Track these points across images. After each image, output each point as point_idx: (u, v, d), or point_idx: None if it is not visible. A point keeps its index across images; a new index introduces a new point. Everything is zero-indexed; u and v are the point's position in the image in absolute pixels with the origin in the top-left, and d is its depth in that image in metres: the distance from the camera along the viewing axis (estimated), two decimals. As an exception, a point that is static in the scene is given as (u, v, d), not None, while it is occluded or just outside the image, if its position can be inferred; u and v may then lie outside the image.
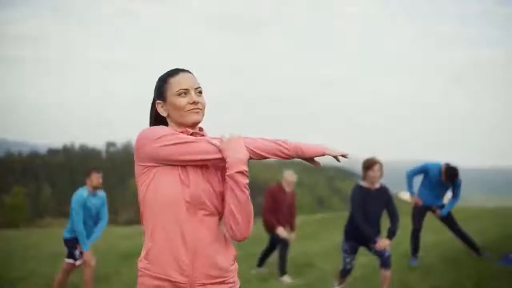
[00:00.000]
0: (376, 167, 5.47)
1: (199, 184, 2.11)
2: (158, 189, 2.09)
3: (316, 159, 2.19)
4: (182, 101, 2.15)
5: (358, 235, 5.53)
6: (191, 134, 2.17)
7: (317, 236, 11.57)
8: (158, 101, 2.22)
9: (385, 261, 5.46)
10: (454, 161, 6.97)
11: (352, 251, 5.70)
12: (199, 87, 2.19)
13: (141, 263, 2.15)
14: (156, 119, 2.25)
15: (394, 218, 5.56)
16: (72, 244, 6.26)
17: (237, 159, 2.05)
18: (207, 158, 2.09)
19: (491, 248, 7.06)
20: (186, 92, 2.16)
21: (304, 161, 2.18)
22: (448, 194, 7.14)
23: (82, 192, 6.23)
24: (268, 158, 2.15)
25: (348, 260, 5.72)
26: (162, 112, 2.21)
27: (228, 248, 2.20)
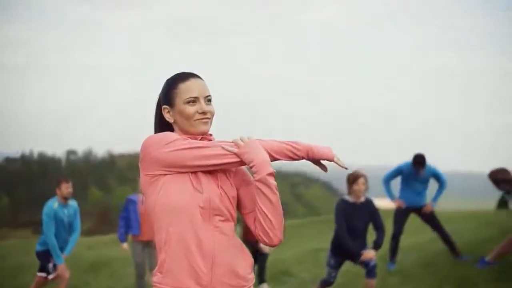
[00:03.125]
0: (361, 181, 5.42)
1: (212, 190, 2.01)
2: (170, 197, 1.97)
3: (323, 162, 2.13)
4: (191, 109, 2.05)
5: (345, 251, 5.48)
6: (200, 139, 2.07)
7: (288, 243, 11.49)
8: (164, 106, 2.11)
9: (370, 271, 5.42)
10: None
11: (338, 266, 5.66)
12: (209, 95, 2.10)
13: (156, 277, 2.04)
14: (161, 124, 2.14)
15: (380, 230, 5.53)
16: (44, 257, 6.04)
17: (264, 161, 1.97)
18: (221, 163, 2.00)
19: (466, 252, 7.11)
20: (195, 100, 2.06)
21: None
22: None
23: (52, 204, 6.01)
24: (279, 159, 2.07)
25: (333, 274, 5.67)
26: (169, 118, 2.11)
27: (246, 256, 2.10)
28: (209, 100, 2.09)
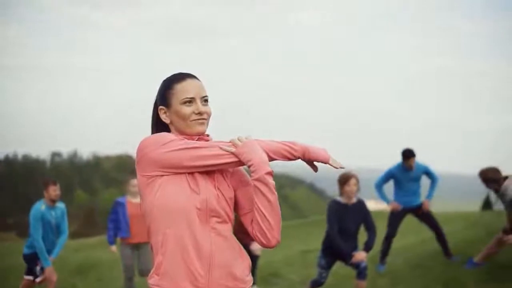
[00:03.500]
0: (352, 182, 5.42)
1: (209, 191, 1.99)
2: (167, 199, 1.95)
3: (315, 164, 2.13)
4: (187, 110, 2.03)
5: (336, 252, 5.48)
6: (197, 140, 2.05)
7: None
8: (161, 107, 2.10)
9: (361, 272, 5.43)
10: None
11: (329, 266, 5.66)
12: (206, 96, 2.08)
13: (152, 280, 2.00)
14: (158, 124, 2.13)
15: (371, 232, 5.54)
16: (32, 260, 5.95)
17: (262, 161, 1.96)
18: (219, 163, 1.98)
19: (454, 252, 7.15)
20: (192, 101, 2.04)
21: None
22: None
23: (39, 206, 5.93)
24: (276, 159, 2.06)
25: (324, 275, 5.67)
26: (165, 118, 2.10)
27: (243, 257, 2.08)
28: (206, 101, 2.08)
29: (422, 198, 7.22)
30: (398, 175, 7.09)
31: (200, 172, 1.99)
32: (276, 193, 1.98)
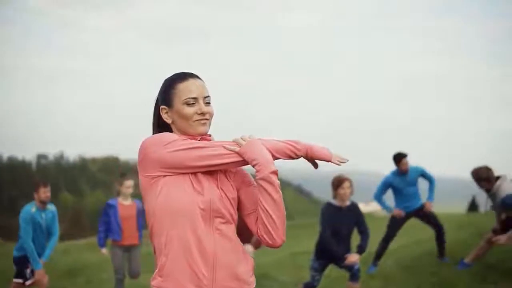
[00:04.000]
0: (346, 184, 5.43)
1: (213, 191, 1.98)
2: (170, 199, 1.93)
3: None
4: (190, 110, 2.01)
5: (329, 254, 5.49)
6: (200, 140, 2.04)
7: (266, 248, 11.48)
8: (163, 107, 2.07)
9: (354, 274, 5.45)
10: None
11: (322, 269, 5.67)
12: (208, 96, 2.06)
13: (155, 281, 1.99)
14: (159, 124, 2.10)
15: (364, 235, 5.55)
16: (22, 263, 5.89)
17: (267, 160, 1.95)
18: (224, 162, 1.97)
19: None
20: (194, 101, 2.02)
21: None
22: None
23: (29, 208, 5.88)
24: (279, 158, 2.05)
25: (317, 277, 5.67)
26: (167, 118, 2.07)
27: (247, 258, 2.07)
28: (208, 101, 2.06)
29: (422, 199, 7.22)
30: (395, 183, 7.08)
31: (203, 173, 1.98)
32: (280, 192, 1.97)
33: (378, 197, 7.19)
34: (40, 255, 5.94)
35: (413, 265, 7.03)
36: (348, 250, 5.51)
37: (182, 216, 1.92)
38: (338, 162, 2.08)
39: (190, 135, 2.04)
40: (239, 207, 2.09)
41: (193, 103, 2.02)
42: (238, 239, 2.05)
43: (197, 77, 2.07)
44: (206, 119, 2.04)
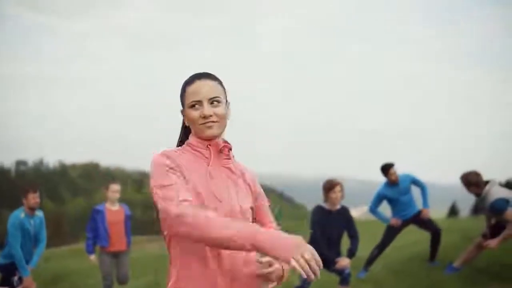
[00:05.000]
0: (337, 189, 5.46)
1: (232, 201, 1.94)
2: None
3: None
4: (195, 114, 1.96)
5: (319, 257, 5.47)
6: (220, 150, 2.00)
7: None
8: (181, 109, 2.06)
9: (344, 279, 5.45)
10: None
11: None
12: (215, 97, 1.96)
13: None
14: (185, 126, 2.10)
15: (354, 238, 5.57)
16: (9, 270, 5.79)
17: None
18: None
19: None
20: (199, 103, 1.96)
21: None
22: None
23: (18, 214, 5.79)
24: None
25: (307, 282, 5.66)
26: (185, 121, 2.06)
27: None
28: (215, 101, 1.96)
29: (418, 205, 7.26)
30: (388, 194, 7.09)
31: (221, 183, 1.95)
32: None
33: (373, 210, 7.19)
34: (27, 261, 5.85)
35: (403, 269, 7.05)
36: (338, 254, 5.53)
37: None
38: (303, 273, 1.69)
39: (203, 139, 2.00)
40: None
41: (197, 106, 1.96)
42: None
43: (206, 77, 2.01)
44: (212, 121, 1.95)
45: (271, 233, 1.72)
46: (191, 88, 1.99)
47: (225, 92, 2.04)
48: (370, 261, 7.19)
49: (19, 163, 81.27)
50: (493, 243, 5.82)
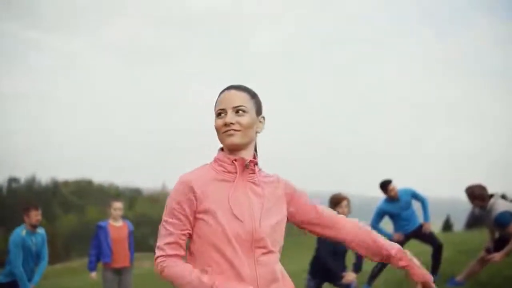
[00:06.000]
0: (344, 203, 5.46)
1: (254, 218, 1.91)
2: (206, 228, 1.87)
3: None
4: (219, 122, 1.95)
5: (325, 273, 5.47)
6: (246, 166, 1.98)
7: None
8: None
9: None
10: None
11: None
12: (240, 106, 1.94)
13: None
14: None
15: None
16: None
17: None
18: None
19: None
20: (223, 112, 1.95)
21: None
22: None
23: (19, 231, 5.75)
24: None
25: None
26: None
27: (288, 285, 1.99)
28: (240, 111, 1.94)
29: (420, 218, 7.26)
30: (389, 210, 7.12)
31: (244, 201, 1.93)
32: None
33: (375, 227, 7.16)
34: (29, 279, 5.80)
35: (400, 282, 7.01)
36: (344, 269, 5.52)
37: (219, 245, 1.86)
38: None
39: (227, 150, 1.99)
40: (294, 220, 2.07)
41: (222, 115, 1.96)
42: (281, 268, 2.00)
43: (236, 88, 2.00)
44: (234, 130, 1.92)
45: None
46: (219, 98, 1.99)
47: (257, 105, 2.02)
48: (374, 276, 7.18)
49: (11, 180, 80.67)
50: (497, 257, 5.82)
